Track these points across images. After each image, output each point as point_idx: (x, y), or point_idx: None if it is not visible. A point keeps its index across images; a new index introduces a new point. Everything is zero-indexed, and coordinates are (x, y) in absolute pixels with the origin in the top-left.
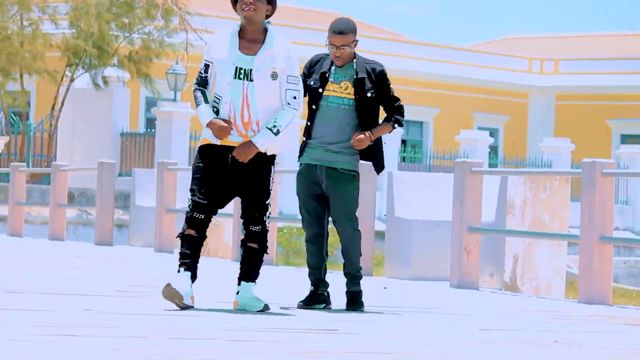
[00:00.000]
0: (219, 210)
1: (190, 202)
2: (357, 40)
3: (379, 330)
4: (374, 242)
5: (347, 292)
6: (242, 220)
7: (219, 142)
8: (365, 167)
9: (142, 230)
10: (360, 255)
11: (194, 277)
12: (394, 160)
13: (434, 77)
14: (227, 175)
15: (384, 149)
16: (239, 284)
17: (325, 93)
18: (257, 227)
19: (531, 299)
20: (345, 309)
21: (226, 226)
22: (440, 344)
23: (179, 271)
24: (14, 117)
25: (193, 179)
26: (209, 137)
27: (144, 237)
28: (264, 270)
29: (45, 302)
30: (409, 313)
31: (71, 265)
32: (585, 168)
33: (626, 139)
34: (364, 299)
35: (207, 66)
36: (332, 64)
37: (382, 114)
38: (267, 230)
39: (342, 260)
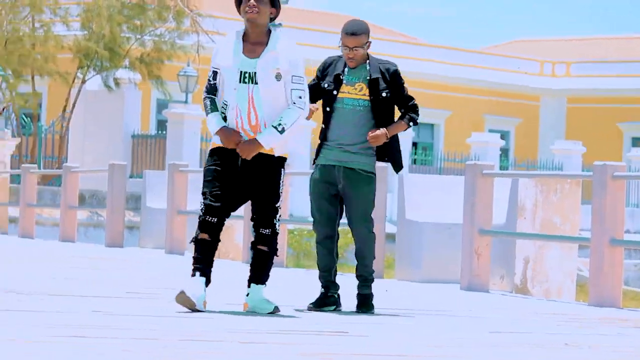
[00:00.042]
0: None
1: (202, 206)
2: (370, 42)
3: (390, 333)
4: (385, 244)
5: (358, 295)
6: (252, 223)
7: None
8: (377, 169)
9: (152, 232)
10: (374, 258)
11: (207, 282)
12: (405, 163)
13: (445, 79)
14: (238, 178)
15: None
16: (249, 286)
17: (340, 95)
18: (267, 230)
19: (541, 302)
20: (356, 311)
21: (237, 228)
22: (450, 346)
23: (193, 275)
24: (25, 118)
25: (205, 182)
26: (219, 140)
27: (154, 239)
28: (274, 272)
29: (54, 303)
30: (420, 315)
31: (81, 266)
32: (596, 171)
33: (637, 141)
34: (374, 301)
35: (215, 73)
36: (345, 65)
37: (397, 114)
38: (277, 233)
39: (353, 262)
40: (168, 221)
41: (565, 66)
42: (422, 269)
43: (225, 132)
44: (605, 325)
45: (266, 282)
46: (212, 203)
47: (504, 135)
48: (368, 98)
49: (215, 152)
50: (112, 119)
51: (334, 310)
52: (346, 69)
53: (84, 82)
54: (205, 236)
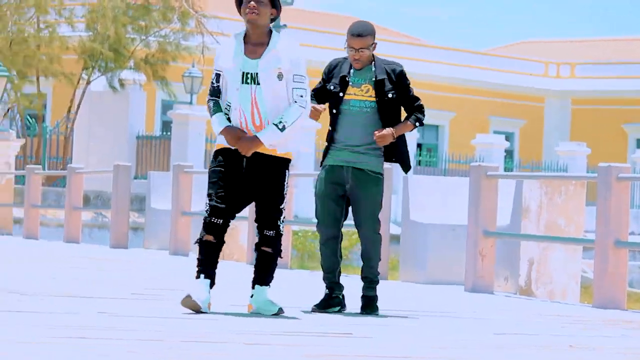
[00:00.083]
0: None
1: (207, 207)
2: (376, 43)
3: (394, 334)
4: (389, 245)
5: (363, 297)
6: (256, 224)
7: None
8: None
9: (157, 233)
10: (380, 260)
11: (212, 284)
12: None
13: (450, 80)
14: (242, 180)
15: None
16: (253, 288)
17: (346, 97)
18: (272, 232)
19: (546, 304)
20: (360, 313)
21: (241, 229)
22: (455, 348)
23: (197, 277)
24: (30, 119)
25: (210, 183)
26: (224, 141)
27: (159, 240)
28: (278, 273)
29: (59, 304)
30: (424, 317)
31: (86, 267)
32: (601, 172)
33: None
34: (379, 303)
35: (217, 75)
36: (351, 67)
37: (404, 114)
38: (282, 235)
39: (357, 264)
40: (173, 222)
41: (570, 67)
42: (427, 271)
43: (229, 130)
44: (609, 327)
45: (270, 284)
46: (217, 204)
47: (508, 137)
48: (374, 99)
49: (219, 154)
50: (116, 120)
51: (339, 311)
52: (352, 71)
53: (88, 83)
54: (210, 238)
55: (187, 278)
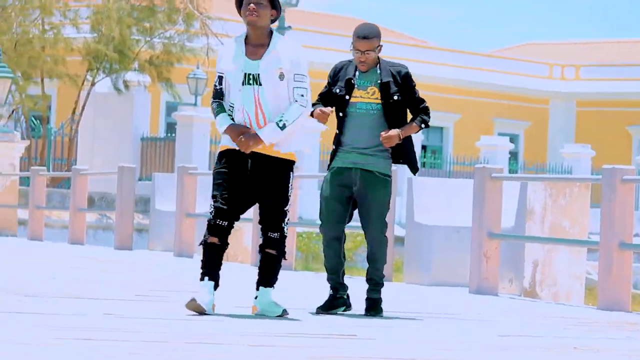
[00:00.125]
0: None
1: (212, 209)
2: (382, 45)
3: (398, 336)
4: (393, 247)
5: (367, 299)
6: (260, 226)
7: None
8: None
9: (162, 235)
10: (385, 262)
11: (216, 285)
12: None
13: (454, 82)
14: (247, 181)
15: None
16: (257, 289)
17: (352, 100)
18: (276, 234)
19: (550, 305)
20: (364, 315)
21: (245, 231)
22: (459, 349)
23: (202, 279)
24: (34, 121)
25: (214, 184)
26: (228, 143)
27: (163, 242)
28: (282, 275)
29: (63, 306)
30: (428, 319)
31: (90, 269)
32: (605, 174)
33: None
34: (383, 305)
35: (220, 78)
36: (356, 70)
37: (409, 116)
38: (286, 236)
39: (361, 265)
40: (177, 224)
41: (575, 69)
42: (431, 272)
43: (233, 128)
44: (614, 329)
45: (275, 285)
46: (222, 206)
47: (513, 139)
48: (380, 101)
49: (224, 155)
50: (121, 121)
51: (344, 310)
52: (357, 73)
53: (93, 84)
54: (215, 240)
55: (192, 279)
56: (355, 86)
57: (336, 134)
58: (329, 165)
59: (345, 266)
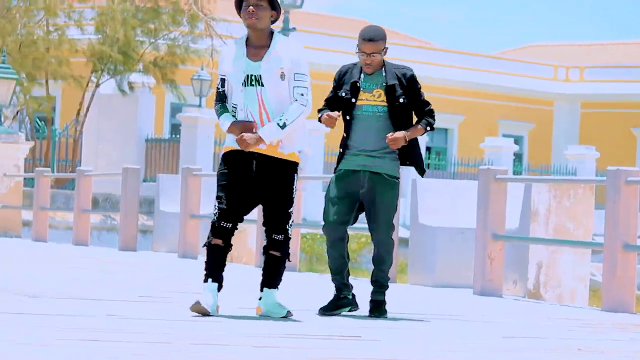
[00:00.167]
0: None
1: (216, 210)
2: (387, 48)
3: (402, 337)
4: (398, 248)
5: (372, 301)
6: (264, 228)
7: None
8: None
9: (166, 236)
10: (392, 264)
11: (220, 287)
12: None
13: (459, 84)
14: (251, 183)
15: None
16: (261, 290)
17: (358, 103)
18: (280, 236)
19: (554, 307)
20: (368, 316)
21: (250, 232)
22: (463, 351)
23: (205, 281)
24: (39, 122)
25: (218, 186)
26: (232, 144)
27: (168, 243)
28: (287, 276)
29: (67, 306)
30: (433, 320)
31: (94, 270)
32: (610, 176)
33: None
34: (387, 306)
35: (222, 80)
36: (361, 72)
37: (414, 119)
38: (290, 238)
39: (365, 267)
40: (181, 225)
41: (579, 71)
42: (435, 274)
43: (236, 125)
44: (618, 330)
45: (279, 286)
46: (226, 208)
47: (517, 140)
48: (386, 104)
49: (228, 156)
50: (125, 122)
51: (349, 311)
52: (362, 76)
53: (97, 85)
54: (219, 242)
55: (196, 281)
56: (361, 89)
57: (343, 137)
58: (335, 169)
59: (350, 267)
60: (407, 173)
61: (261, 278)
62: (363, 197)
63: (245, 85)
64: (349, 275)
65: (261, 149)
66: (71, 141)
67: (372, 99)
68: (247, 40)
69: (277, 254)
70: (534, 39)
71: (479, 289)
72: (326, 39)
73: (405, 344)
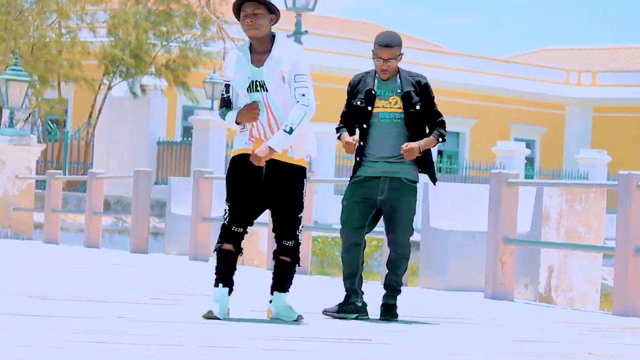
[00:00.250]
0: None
1: (226, 214)
2: (403, 54)
3: (413, 341)
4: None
5: (383, 305)
6: (274, 233)
7: (251, 146)
8: None
9: (177, 239)
10: (406, 270)
11: (230, 291)
12: None
13: (471, 87)
14: (261, 187)
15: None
16: (271, 294)
17: (375, 110)
18: (290, 242)
19: (565, 311)
20: (379, 319)
21: (261, 235)
22: (474, 354)
23: (216, 285)
24: (51, 124)
25: (228, 190)
26: (241, 147)
27: (179, 245)
28: (297, 279)
29: (78, 308)
30: (444, 323)
31: (106, 272)
32: (622, 180)
33: None
34: (398, 310)
35: (227, 86)
36: (374, 80)
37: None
38: (300, 244)
39: (376, 270)
40: (193, 228)
41: (591, 75)
42: (447, 277)
43: (243, 110)
44: (629, 334)
45: (289, 290)
46: (237, 212)
47: (529, 144)
48: (403, 111)
49: (238, 160)
50: (137, 125)
51: (355, 318)
52: (376, 82)
53: (109, 88)
54: (229, 247)
55: (207, 283)
56: (377, 96)
57: (359, 145)
58: (351, 177)
59: (362, 271)
60: (419, 177)
61: (271, 282)
62: (382, 203)
63: (250, 91)
64: (361, 282)
65: (270, 157)
66: (83, 144)
67: (388, 106)
68: (251, 45)
69: (287, 259)
70: (546, 43)
71: (490, 292)
72: (338, 42)
73: (415, 347)
